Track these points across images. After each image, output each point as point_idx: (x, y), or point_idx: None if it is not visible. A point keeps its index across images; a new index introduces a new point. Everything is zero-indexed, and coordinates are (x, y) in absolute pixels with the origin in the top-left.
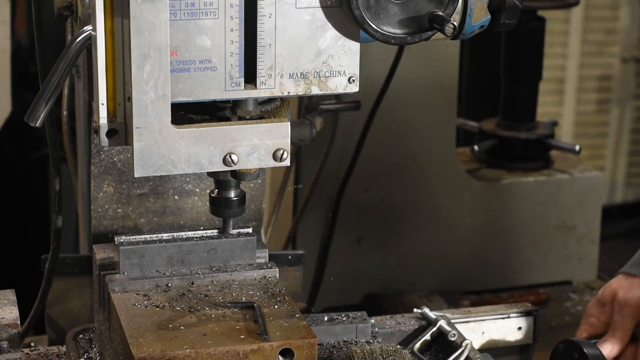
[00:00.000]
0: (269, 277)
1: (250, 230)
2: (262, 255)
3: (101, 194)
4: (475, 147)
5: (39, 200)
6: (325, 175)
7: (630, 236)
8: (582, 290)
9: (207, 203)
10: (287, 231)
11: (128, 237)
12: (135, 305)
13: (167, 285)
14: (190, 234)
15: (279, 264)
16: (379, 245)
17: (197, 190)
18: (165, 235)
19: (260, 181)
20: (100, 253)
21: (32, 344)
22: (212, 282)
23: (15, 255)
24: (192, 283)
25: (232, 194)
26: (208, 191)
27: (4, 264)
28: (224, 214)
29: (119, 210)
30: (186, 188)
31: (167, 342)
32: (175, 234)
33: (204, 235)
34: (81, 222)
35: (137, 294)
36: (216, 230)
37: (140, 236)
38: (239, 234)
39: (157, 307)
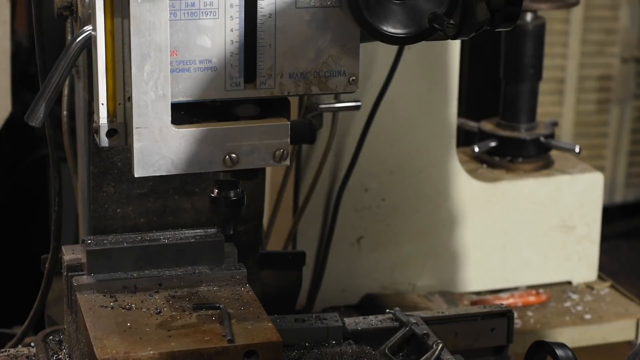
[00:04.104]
0: (237, 277)
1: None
2: (231, 256)
3: (101, 194)
4: (475, 147)
5: (39, 200)
6: (325, 175)
7: (630, 236)
8: (582, 290)
9: (207, 203)
10: (287, 231)
11: (96, 238)
12: (101, 306)
13: (134, 286)
14: (158, 234)
15: (279, 264)
16: (379, 245)
17: (197, 190)
18: (133, 236)
19: (260, 181)
20: (69, 254)
21: (32, 344)
22: (180, 283)
23: (15, 255)
24: (160, 284)
25: (232, 194)
26: (208, 191)
27: (4, 264)
28: (224, 214)
29: (118, 210)
30: (186, 188)
31: (132, 343)
32: (143, 235)
33: (172, 236)
34: (81, 222)
35: (104, 295)
36: (213, 230)
37: (109, 237)
38: (207, 235)
39: (124, 308)
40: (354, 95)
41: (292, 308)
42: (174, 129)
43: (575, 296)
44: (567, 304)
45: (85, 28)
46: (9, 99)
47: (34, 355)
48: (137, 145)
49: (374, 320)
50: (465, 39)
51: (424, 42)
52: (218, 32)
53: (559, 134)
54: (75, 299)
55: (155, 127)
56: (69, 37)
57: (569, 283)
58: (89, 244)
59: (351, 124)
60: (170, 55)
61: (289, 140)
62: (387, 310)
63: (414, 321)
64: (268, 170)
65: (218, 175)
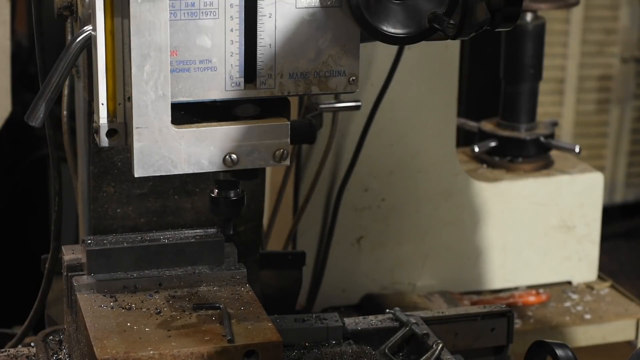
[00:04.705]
0: (237, 277)
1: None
2: (231, 256)
3: (101, 194)
4: (475, 147)
5: (39, 200)
6: (325, 175)
7: (630, 236)
8: (582, 290)
9: (207, 203)
10: (287, 231)
11: (96, 238)
12: (101, 306)
13: (134, 286)
14: (158, 234)
15: (279, 264)
16: (379, 245)
17: (197, 190)
18: (133, 236)
19: (260, 181)
20: (69, 254)
21: (32, 344)
22: (180, 283)
23: (15, 255)
24: (160, 284)
25: (232, 194)
26: (208, 191)
27: (4, 264)
28: (224, 214)
29: (118, 210)
30: (186, 188)
31: (132, 343)
32: (143, 235)
33: (172, 236)
34: (81, 222)
35: (104, 295)
36: (213, 230)
37: (109, 237)
38: (207, 235)
39: (124, 308)
40: (354, 95)
41: (292, 308)
42: (174, 129)
43: (575, 296)
44: (567, 304)
45: (85, 28)
46: (9, 99)
47: (34, 355)
48: (137, 145)
49: (374, 320)
50: (465, 39)
51: (424, 42)
52: (218, 32)
53: (559, 134)
54: (75, 299)
55: (155, 127)
56: (69, 37)
57: (569, 283)
58: (89, 244)
59: (351, 124)
60: (170, 55)
61: (289, 140)
62: (387, 310)
63: (414, 321)
64: (268, 170)
65: (218, 175)
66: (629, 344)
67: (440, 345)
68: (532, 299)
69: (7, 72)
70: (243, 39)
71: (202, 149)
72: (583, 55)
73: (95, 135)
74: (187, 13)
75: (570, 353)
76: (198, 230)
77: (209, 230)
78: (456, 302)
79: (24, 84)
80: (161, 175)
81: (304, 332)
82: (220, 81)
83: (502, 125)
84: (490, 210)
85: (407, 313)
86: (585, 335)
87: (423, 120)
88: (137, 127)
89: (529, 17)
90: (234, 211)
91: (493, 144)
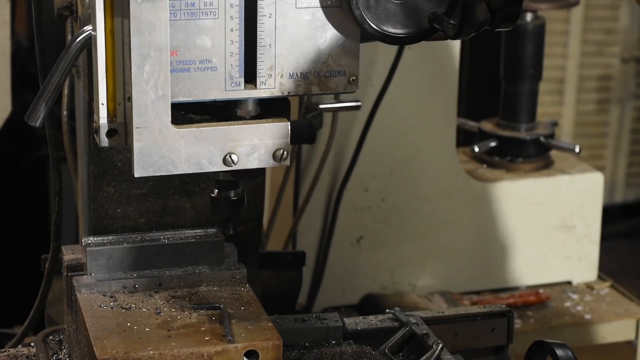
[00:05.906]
0: (237, 277)
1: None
2: (231, 256)
3: (101, 194)
4: (475, 147)
5: (39, 200)
6: (325, 175)
7: (630, 236)
8: (582, 290)
9: (207, 203)
10: (287, 231)
11: (96, 238)
12: (101, 306)
13: (134, 286)
14: (158, 234)
15: (279, 264)
16: (379, 245)
17: (197, 190)
18: (133, 236)
19: (260, 181)
20: (69, 254)
21: (32, 344)
22: (180, 283)
23: (15, 255)
24: (160, 284)
25: (232, 194)
26: (208, 191)
27: (4, 264)
28: (224, 214)
29: (118, 210)
30: (186, 188)
31: (132, 343)
32: (143, 235)
33: (172, 236)
34: (81, 222)
35: (104, 295)
36: (213, 230)
37: (109, 237)
38: (207, 235)
39: (124, 308)
40: (354, 95)
41: (292, 308)
42: (174, 129)
43: (575, 296)
44: (567, 304)
45: (85, 28)
46: (9, 99)
47: (34, 355)
48: (137, 145)
49: (374, 320)
50: (465, 39)
51: (424, 42)
52: (218, 32)
53: (559, 134)
54: (75, 299)
55: (155, 127)
56: (69, 37)
57: (569, 283)
58: (89, 244)
59: (351, 124)
60: (170, 55)
61: (289, 140)
62: (387, 310)
63: (414, 321)
64: (268, 170)
65: (218, 175)
66: (629, 344)
67: (440, 345)
68: (532, 299)
69: (7, 72)
70: (243, 39)
71: (202, 149)
72: (583, 55)
73: (95, 135)
74: (187, 13)
75: (570, 353)
76: (198, 230)
77: (209, 230)
78: (456, 302)
79: (24, 84)
80: (161, 175)
81: (304, 332)
82: (220, 81)
83: (502, 125)
84: (490, 210)
85: (407, 313)
86: (585, 335)
87: (423, 120)
88: (137, 127)
89: (529, 17)
90: (234, 211)
91: (493, 144)
